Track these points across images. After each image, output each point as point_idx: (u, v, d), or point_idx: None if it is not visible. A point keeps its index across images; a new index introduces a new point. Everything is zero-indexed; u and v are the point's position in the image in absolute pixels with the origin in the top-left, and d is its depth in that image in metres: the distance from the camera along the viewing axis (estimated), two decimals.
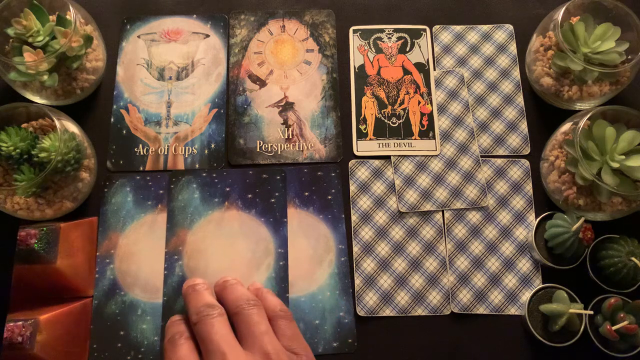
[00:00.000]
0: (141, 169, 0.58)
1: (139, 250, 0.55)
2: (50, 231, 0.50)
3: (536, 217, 0.57)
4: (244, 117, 0.60)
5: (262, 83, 0.62)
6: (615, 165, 0.51)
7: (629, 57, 0.57)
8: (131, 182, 0.57)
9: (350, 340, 0.53)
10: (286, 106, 0.61)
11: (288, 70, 0.63)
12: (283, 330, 0.47)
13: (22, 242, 0.48)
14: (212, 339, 0.44)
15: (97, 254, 0.55)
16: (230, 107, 0.61)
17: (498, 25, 0.65)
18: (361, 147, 0.59)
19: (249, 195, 0.57)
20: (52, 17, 0.57)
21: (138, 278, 0.54)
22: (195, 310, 0.46)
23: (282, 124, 0.60)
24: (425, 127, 0.60)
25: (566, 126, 0.55)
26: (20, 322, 0.46)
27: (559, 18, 0.56)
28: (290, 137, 0.60)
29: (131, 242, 0.55)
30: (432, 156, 0.59)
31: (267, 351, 0.43)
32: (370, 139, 0.60)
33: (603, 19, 0.57)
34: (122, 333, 0.52)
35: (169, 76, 0.62)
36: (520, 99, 0.62)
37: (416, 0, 0.66)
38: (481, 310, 0.54)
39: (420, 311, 0.54)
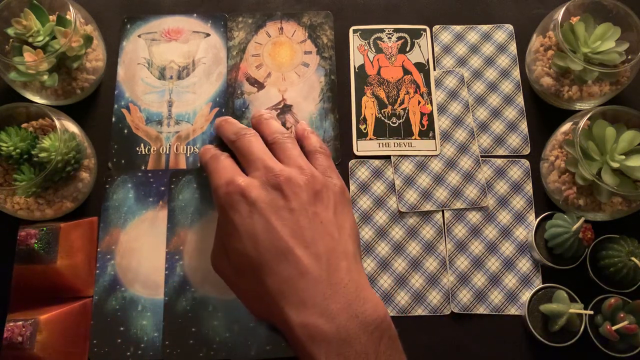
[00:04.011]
0: (143, 168, 0.58)
1: (139, 247, 0.55)
2: (50, 231, 0.50)
3: (536, 217, 0.57)
4: (243, 120, 0.60)
5: (260, 86, 0.62)
6: (615, 165, 0.51)
7: (629, 57, 0.57)
8: (133, 178, 0.57)
9: None
10: (284, 109, 0.61)
11: (286, 72, 0.63)
12: (320, 162, 0.50)
13: (22, 242, 0.48)
14: (252, 151, 0.48)
15: (98, 250, 0.55)
16: (228, 109, 0.61)
17: (498, 25, 0.65)
18: (361, 147, 0.59)
19: None
20: (52, 17, 0.57)
21: (138, 274, 0.54)
22: (233, 132, 0.51)
23: None
24: (425, 127, 0.60)
25: (566, 126, 0.55)
26: (20, 322, 0.46)
27: (559, 18, 0.56)
28: None
29: (132, 239, 0.55)
30: (432, 156, 0.59)
31: (301, 166, 0.47)
32: (370, 139, 0.60)
33: (603, 19, 0.57)
34: (122, 329, 0.52)
35: (170, 75, 0.62)
36: (520, 99, 0.62)
37: (416, 0, 0.66)
38: (481, 310, 0.54)
39: (420, 311, 0.54)
